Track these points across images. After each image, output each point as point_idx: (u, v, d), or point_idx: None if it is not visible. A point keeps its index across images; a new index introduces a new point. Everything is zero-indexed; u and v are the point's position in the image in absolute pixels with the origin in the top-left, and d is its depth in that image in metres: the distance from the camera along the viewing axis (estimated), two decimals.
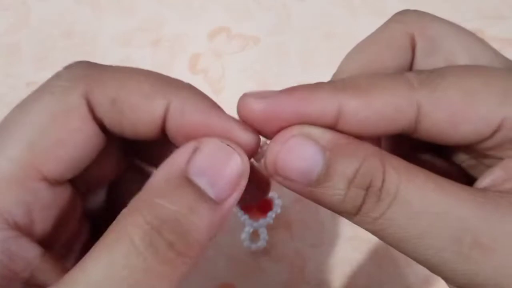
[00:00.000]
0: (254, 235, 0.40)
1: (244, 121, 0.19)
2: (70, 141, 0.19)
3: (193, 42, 0.48)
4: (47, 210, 0.19)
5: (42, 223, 0.19)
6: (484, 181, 0.19)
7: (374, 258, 0.40)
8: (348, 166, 0.18)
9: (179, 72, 0.47)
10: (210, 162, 0.18)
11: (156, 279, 0.16)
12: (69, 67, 0.20)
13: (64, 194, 0.20)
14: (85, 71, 0.19)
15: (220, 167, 0.18)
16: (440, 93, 0.18)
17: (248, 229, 0.40)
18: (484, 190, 0.18)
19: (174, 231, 0.16)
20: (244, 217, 0.40)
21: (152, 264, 0.16)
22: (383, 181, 0.17)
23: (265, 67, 0.47)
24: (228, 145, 0.18)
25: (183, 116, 0.19)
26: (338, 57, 0.22)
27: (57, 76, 0.20)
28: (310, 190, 0.18)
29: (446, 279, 0.19)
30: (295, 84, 0.19)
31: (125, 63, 0.48)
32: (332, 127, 0.19)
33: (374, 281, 0.40)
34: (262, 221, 0.40)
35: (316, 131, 0.18)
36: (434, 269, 0.18)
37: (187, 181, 0.17)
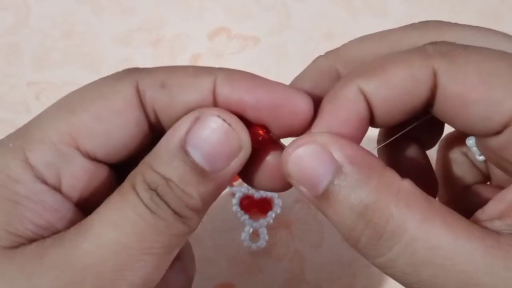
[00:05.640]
0: (254, 235, 0.40)
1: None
2: (110, 120, 0.19)
3: (193, 42, 0.48)
4: (77, 179, 0.19)
5: (69, 189, 0.19)
6: (493, 210, 0.18)
7: None
8: (356, 194, 0.17)
9: None
10: (207, 134, 0.18)
11: (154, 232, 0.18)
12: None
13: (98, 171, 0.20)
14: (132, 69, 0.21)
15: (215, 141, 0.18)
16: (457, 65, 0.18)
17: (248, 229, 0.40)
18: (498, 235, 0.17)
19: (168, 196, 0.18)
20: (244, 217, 0.40)
21: (153, 217, 0.18)
22: (390, 217, 0.16)
23: (265, 67, 0.47)
24: (222, 118, 0.19)
25: (232, 85, 0.19)
26: None
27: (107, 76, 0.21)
28: (316, 203, 0.18)
29: None
30: None
31: (125, 63, 0.48)
32: (369, 114, 0.19)
33: (374, 281, 0.40)
34: (262, 221, 0.40)
35: (335, 146, 0.18)
36: None
37: (182, 153, 0.18)
